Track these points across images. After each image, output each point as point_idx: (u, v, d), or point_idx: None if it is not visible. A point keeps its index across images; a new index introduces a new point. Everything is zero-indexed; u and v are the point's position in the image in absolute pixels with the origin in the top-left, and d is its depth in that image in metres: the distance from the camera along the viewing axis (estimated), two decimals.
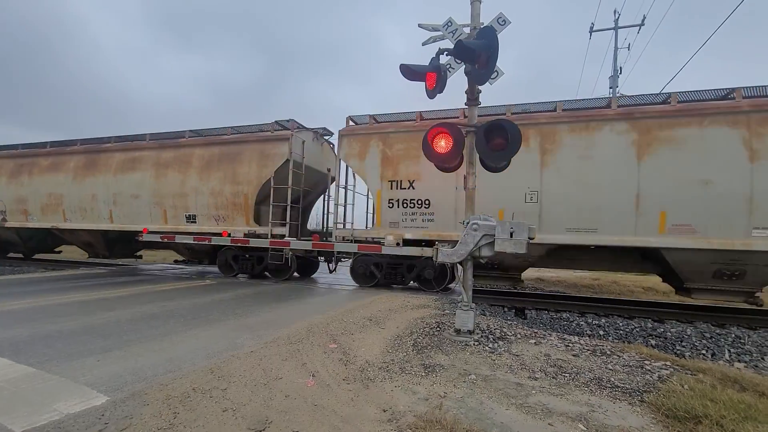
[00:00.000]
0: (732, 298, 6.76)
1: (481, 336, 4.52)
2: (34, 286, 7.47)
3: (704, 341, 5.94)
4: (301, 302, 6.56)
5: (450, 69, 4.66)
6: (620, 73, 18.01)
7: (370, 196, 9.32)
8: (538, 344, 4.35)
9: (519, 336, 4.66)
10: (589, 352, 4.11)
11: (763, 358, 5.36)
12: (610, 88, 17.90)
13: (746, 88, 6.60)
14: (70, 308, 5.47)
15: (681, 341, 5.99)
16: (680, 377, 3.32)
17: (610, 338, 6.15)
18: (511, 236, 4.18)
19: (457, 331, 4.51)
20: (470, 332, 4.47)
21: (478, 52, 3.90)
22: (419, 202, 8.30)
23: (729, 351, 5.60)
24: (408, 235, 8.29)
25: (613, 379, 3.30)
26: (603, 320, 6.91)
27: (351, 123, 9.25)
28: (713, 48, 16.83)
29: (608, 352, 4.09)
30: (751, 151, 6.29)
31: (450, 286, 8.61)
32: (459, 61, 4.54)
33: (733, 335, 6.08)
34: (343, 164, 9.34)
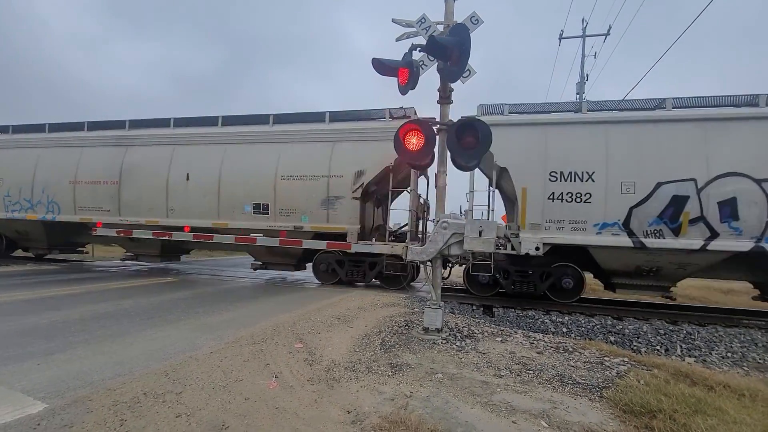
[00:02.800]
0: None
1: (449, 334, 4.53)
2: None
3: (659, 337, 6.23)
4: (267, 300, 6.37)
5: (423, 66, 4.63)
6: (587, 79, 18.69)
7: None
8: (504, 342, 4.41)
9: (486, 334, 4.70)
10: (552, 349, 4.20)
11: (710, 353, 5.68)
12: (577, 94, 18.55)
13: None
14: (11, 307, 5.05)
15: (638, 337, 6.26)
16: (637, 373, 3.44)
17: (573, 335, 6.33)
18: (480, 235, 4.21)
19: (426, 330, 4.49)
20: (438, 330, 4.47)
21: (450, 49, 3.88)
22: None
23: (681, 346, 5.91)
24: None
25: (574, 376, 3.37)
26: (566, 318, 7.11)
27: None
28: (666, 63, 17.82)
29: (570, 349, 4.20)
30: None
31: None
32: (432, 58, 4.52)
33: (685, 332, 6.41)
34: None
